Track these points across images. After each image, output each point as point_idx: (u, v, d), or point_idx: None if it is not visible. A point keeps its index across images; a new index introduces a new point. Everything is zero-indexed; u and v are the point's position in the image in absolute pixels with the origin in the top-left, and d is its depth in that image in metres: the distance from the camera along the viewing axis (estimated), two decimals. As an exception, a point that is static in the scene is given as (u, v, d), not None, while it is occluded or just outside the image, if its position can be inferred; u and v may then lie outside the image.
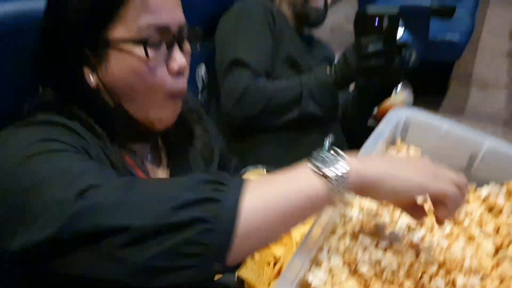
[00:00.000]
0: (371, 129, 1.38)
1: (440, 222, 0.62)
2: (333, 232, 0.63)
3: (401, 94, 1.46)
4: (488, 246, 0.70)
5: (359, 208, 0.69)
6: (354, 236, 0.62)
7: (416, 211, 0.62)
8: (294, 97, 1.27)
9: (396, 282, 0.56)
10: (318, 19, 1.47)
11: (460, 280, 0.58)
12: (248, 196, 0.52)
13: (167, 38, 0.72)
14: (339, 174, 0.54)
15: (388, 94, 1.39)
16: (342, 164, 0.55)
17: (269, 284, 0.71)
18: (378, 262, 0.57)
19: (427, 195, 0.58)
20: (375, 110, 1.48)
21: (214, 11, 1.44)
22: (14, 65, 0.79)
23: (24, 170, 0.58)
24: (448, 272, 0.59)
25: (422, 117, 0.89)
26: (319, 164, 0.55)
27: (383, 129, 0.85)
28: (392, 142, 0.89)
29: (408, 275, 0.57)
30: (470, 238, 0.73)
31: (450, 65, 3.33)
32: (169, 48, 0.73)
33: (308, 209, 0.55)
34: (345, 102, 1.47)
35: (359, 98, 1.42)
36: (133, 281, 0.51)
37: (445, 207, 0.58)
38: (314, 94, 1.27)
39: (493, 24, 4.49)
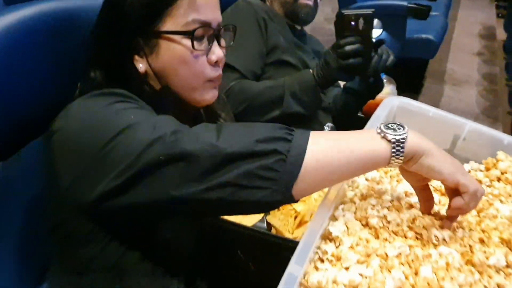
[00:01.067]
0: (362, 120, 1.51)
1: (450, 218, 0.72)
2: (344, 195, 0.75)
3: (386, 88, 1.58)
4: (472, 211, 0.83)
5: (364, 177, 0.81)
6: (363, 197, 0.75)
7: (427, 199, 0.73)
8: (276, 97, 1.34)
9: (401, 233, 0.68)
10: (307, 16, 1.58)
11: (447, 234, 0.70)
12: (316, 141, 0.64)
13: (208, 33, 0.85)
14: (399, 138, 0.65)
15: (373, 96, 1.50)
16: (402, 132, 0.66)
17: (292, 232, 0.83)
18: (385, 216, 0.70)
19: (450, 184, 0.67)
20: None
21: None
22: (69, 54, 0.91)
23: (110, 122, 0.69)
24: (441, 227, 0.71)
25: (411, 104, 1.02)
26: (383, 128, 0.66)
27: (379, 115, 0.97)
28: (386, 126, 1.01)
29: (410, 228, 0.69)
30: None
31: (425, 63, 3.50)
32: (210, 41, 0.86)
33: (367, 162, 0.65)
34: (335, 98, 1.58)
35: (346, 99, 1.51)
36: (219, 193, 0.63)
37: (462, 200, 0.67)
38: (297, 95, 1.34)
39: (464, 25, 4.71)
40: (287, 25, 1.57)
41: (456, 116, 1.01)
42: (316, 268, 0.62)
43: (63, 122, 0.74)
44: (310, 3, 1.56)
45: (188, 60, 0.83)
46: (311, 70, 1.33)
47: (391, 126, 0.67)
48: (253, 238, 0.84)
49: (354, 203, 0.73)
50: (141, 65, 0.84)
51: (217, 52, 0.87)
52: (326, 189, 0.72)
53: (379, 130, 0.67)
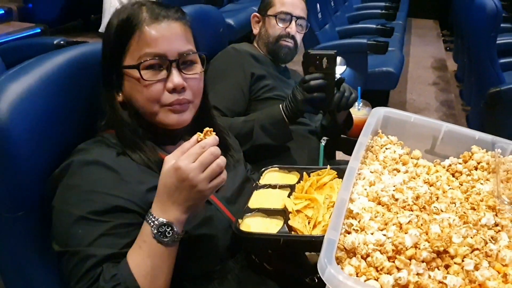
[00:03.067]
0: (348, 140, 1.65)
1: None
2: (356, 183, 0.90)
3: (363, 110, 1.76)
4: (458, 193, 0.98)
5: (369, 170, 0.96)
6: (371, 184, 0.89)
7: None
8: (246, 131, 1.45)
9: (408, 208, 0.83)
10: (286, 56, 1.73)
11: (444, 205, 0.86)
12: (135, 271, 0.83)
13: (165, 63, 0.97)
14: (174, 236, 0.85)
15: (345, 131, 1.64)
16: (170, 228, 0.84)
17: (310, 233, 0.95)
18: (393, 196, 0.84)
19: None
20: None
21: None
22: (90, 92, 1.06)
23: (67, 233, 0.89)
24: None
25: (394, 112, 1.19)
26: (160, 239, 0.84)
27: (369, 124, 1.13)
28: (375, 133, 1.17)
29: (414, 203, 0.84)
30: (444, 192, 1.01)
31: (387, 94, 3.76)
32: (168, 70, 0.97)
33: (170, 258, 0.87)
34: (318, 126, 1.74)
35: (322, 132, 1.67)
36: None
37: None
38: (266, 128, 1.43)
39: (417, 59, 5.07)
40: (271, 62, 1.74)
41: (434, 120, 1.19)
42: (347, 235, 0.75)
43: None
44: (290, 44, 1.71)
45: (140, 89, 0.97)
46: (280, 105, 1.45)
47: (161, 229, 0.85)
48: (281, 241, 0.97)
49: (365, 189, 0.88)
50: (119, 98, 1.01)
51: (175, 80, 0.96)
52: (338, 184, 0.86)
53: (157, 240, 0.85)
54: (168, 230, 0.84)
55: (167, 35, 0.97)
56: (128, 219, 0.87)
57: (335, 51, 1.40)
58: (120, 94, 1.01)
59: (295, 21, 1.72)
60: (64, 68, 1.06)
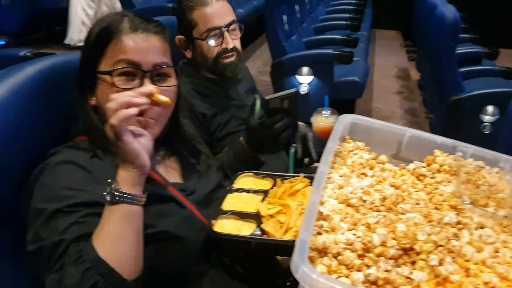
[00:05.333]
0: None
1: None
2: (325, 187, 0.93)
3: (331, 118, 1.80)
4: (422, 195, 1.03)
5: (338, 174, 0.99)
6: (340, 187, 0.93)
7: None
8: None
9: (375, 209, 0.86)
10: (234, 71, 1.58)
11: (409, 206, 0.90)
12: (100, 248, 0.82)
13: (139, 73, 0.99)
14: (113, 193, 0.86)
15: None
16: (111, 187, 0.86)
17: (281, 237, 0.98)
18: (361, 198, 0.88)
19: None
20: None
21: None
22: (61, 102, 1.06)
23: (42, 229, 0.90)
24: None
25: (361, 119, 1.23)
26: (108, 199, 0.86)
27: (337, 130, 1.16)
28: (343, 139, 1.21)
29: (382, 205, 0.88)
30: (409, 194, 1.05)
31: (353, 103, 3.85)
32: (142, 81, 0.99)
33: (129, 221, 0.86)
34: None
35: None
36: None
37: None
38: (238, 168, 1.29)
39: (381, 69, 5.20)
40: (217, 82, 1.60)
41: (398, 126, 1.24)
42: (318, 235, 0.78)
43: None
44: (232, 58, 1.56)
45: (109, 93, 0.95)
46: (241, 139, 1.35)
47: (108, 191, 0.87)
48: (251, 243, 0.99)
49: (335, 192, 0.91)
50: (92, 102, 1.03)
51: (146, 88, 0.95)
52: (309, 189, 0.89)
53: (107, 201, 0.87)
54: (110, 190, 0.86)
55: (143, 46, 1.00)
56: (100, 210, 0.88)
57: (295, 89, 1.35)
58: (93, 98, 1.03)
59: (227, 31, 1.53)
60: (35, 79, 1.06)
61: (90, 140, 1.01)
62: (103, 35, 1.00)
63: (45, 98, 1.07)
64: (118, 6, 4.22)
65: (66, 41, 4.50)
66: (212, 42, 1.52)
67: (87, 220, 0.88)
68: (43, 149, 1.00)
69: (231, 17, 1.56)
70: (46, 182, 0.93)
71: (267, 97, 1.28)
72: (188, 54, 1.60)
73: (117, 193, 0.86)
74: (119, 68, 0.97)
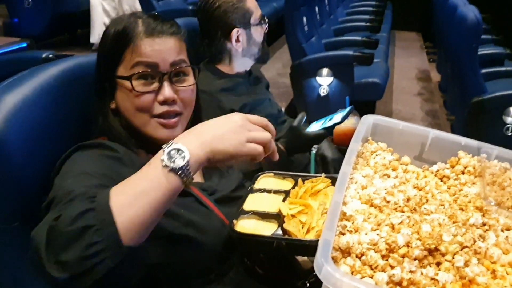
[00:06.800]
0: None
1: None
2: (348, 187, 0.92)
3: (351, 119, 1.79)
4: (446, 196, 1.01)
5: (361, 175, 0.98)
6: (363, 187, 0.92)
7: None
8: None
9: (399, 209, 0.85)
10: (264, 56, 1.80)
11: (434, 207, 0.88)
12: (115, 198, 0.72)
13: (157, 74, 1.00)
14: (184, 164, 0.74)
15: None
16: (184, 156, 0.75)
17: (304, 237, 0.97)
18: (384, 198, 0.87)
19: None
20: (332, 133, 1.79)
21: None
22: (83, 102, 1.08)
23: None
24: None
25: (383, 120, 1.22)
26: (167, 162, 0.74)
27: (360, 131, 1.15)
28: (365, 140, 1.20)
29: (405, 205, 0.87)
30: (433, 195, 1.04)
31: (373, 105, 3.82)
32: (160, 82, 1.00)
33: (167, 196, 0.74)
34: None
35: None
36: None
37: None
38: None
39: (401, 70, 5.15)
40: (242, 78, 1.76)
41: (421, 127, 1.22)
42: (341, 236, 0.78)
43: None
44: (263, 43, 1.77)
45: (131, 99, 1.00)
46: (279, 143, 1.46)
47: (173, 154, 0.75)
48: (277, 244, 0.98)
49: (358, 192, 0.90)
50: (112, 106, 1.04)
51: (165, 92, 0.99)
52: (332, 191, 0.88)
53: (163, 165, 0.75)
54: (178, 156, 0.75)
55: (160, 48, 1.01)
56: None
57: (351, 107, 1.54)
58: (113, 102, 1.04)
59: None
60: (58, 79, 1.08)
61: (111, 140, 1.02)
62: (119, 39, 1.01)
63: (68, 98, 1.09)
64: (138, 7, 4.26)
65: (92, 40, 4.53)
66: (263, 27, 1.72)
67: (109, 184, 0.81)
68: (65, 150, 1.01)
69: None
70: (73, 159, 0.93)
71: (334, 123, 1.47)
72: (239, 46, 1.70)
73: (184, 166, 0.75)
74: (137, 73, 0.98)
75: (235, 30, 1.68)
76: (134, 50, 0.99)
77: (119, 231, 0.70)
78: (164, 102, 1.00)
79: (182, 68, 1.03)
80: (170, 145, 0.76)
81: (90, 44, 4.51)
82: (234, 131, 0.80)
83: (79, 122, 1.11)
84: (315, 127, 1.54)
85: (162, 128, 1.02)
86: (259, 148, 0.81)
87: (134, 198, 0.73)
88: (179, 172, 0.74)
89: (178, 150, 0.75)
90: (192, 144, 0.77)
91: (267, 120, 0.87)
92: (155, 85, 1.00)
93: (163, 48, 1.00)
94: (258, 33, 1.73)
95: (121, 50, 1.00)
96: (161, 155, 0.75)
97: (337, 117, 1.56)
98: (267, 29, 1.75)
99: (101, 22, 4.46)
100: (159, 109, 1.00)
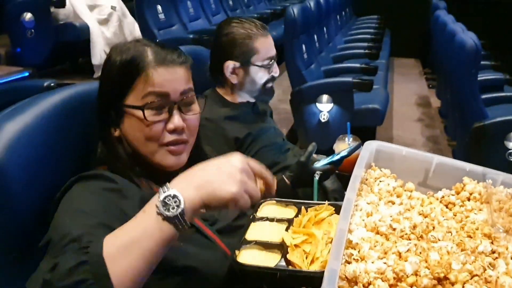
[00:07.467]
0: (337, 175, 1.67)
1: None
2: (353, 214, 0.91)
3: (353, 145, 1.78)
4: (453, 223, 1.00)
5: (365, 202, 0.97)
6: (368, 215, 0.90)
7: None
8: None
9: (405, 237, 0.84)
10: (271, 97, 1.77)
11: (441, 234, 0.87)
12: (109, 249, 0.72)
13: (167, 103, 1.00)
14: (178, 213, 0.73)
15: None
16: (179, 203, 0.73)
17: (308, 268, 0.95)
18: (390, 226, 0.85)
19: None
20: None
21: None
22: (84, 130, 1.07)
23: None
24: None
25: (386, 146, 1.21)
26: (162, 210, 0.73)
27: (363, 157, 1.14)
28: (369, 166, 1.19)
29: (412, 233, 0.85)
30: (439, 222, 1.02)
31: (374, 130, 3.82)
32: (170, 111, 1.00)
33: (161, 245, 0.74)
34: None
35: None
36: None
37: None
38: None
39: (401, 96, 5.17)
40: (245, 107, 1.73)
41: (424, 153, 1.21)
42: (347, 264, 0.76)
43: None
44: (272, 84, 1.72)
45: (141, 128, 0.99)
46: (284, 177, 1.44)
47: (168, 201, 0.74)
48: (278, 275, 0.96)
49: (363, 220, 0.89)
50: (116, 134, 1.03)
51: (175, 121, 1.00)
52: (336, 220, 0.87)
53: (158, 213, 0.74)
54: (173, 204, 0.74)
55: (171, 78, 1.01)
56: None
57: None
58: (117, 130, 1.03)
59: (275, 61, 1.70)
60: (58, 107, 1.08)
61: (111, 169, 1.01)
62: (129, 68, 1.00)
63: (68, 126, 1.08)
64: (138, 32, 4.29)
65: (94, 62, 4.54)
66: (266, 69, 1.66)
67: (108, 225, 0.82)
68: (64, 178, 1.00)
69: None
70: (73, 194, 0.92)
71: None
72: (234, 79, 1.68)
73: (179, 216, 0.73)
74: (150, 102, 0.98)
75: (229, 62, 1.66)
76: (144, 79, 0.99)
77: (113, 285, 0.70)
78: (173, 131, 1.01)
79: (191, 97, 1.04)
80: (166, 191, 0.75)
81: (91, 72, 4.53)
82: (234, 178, 0.78)
83: (79, 150, 1.10)
84: (321, 162, 1.52)
85: (170, 155, 1.02)
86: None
87: (127, 249, 0.73)
88: (174, 221, 0.74)
89: (174, 196, 0.74)
90: (188, 190, 0.76)
91: (266, 170, 0.86)
92: (165, 114, 1.00)
93: (174, 78, 1.01)
94: (259, 74, 1.67)
95: (131, 79, 1.00)
96: (156, 201, 0.75)
97: (343, 151, 1.55)
98: (274, 72, 1.70)
99: (101, 47, 4.49)
100: (168, 137, 1.01)
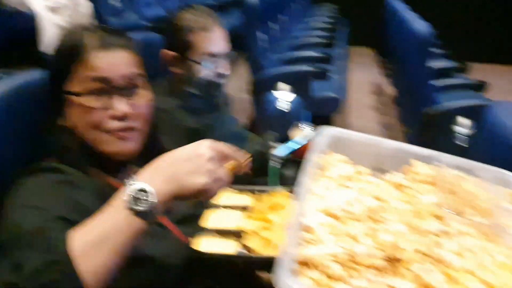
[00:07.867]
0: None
1: None
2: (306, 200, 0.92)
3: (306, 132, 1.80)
4: (403, 205, 1.02)
5: (319, 186, 0.98)
6: (322, 199, 0.92)
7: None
8: None
9: (359, 219, 0.86)
10: (220, 97, 1.66)
11: (393, 216, 0.89)
12: (77, 246, 0.70)
13: (109, 89, 0.96)
14: (149, 207, 0.72)
15: None
16: (149, 197, 0.72)
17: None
18: (344, 209, 0.87)
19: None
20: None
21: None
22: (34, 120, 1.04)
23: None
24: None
25: (339, 132, 1.23)
26: (132, 204, 0.72)
27: (318, 142, 1.15)
28: (323, 152, 1.20)
29: (365, 215, 0.87)
30: (391, 204, 1.04)
31: (330, 118, 3.87)
32: (112, 97, 0.96)
33: (132, 239, 0.73)
34: None
35: None
36: None
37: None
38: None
39: (357, 85, 5.25)
40: (202, 100, 1.66)
41: (376, 137, 1.24)
42: (302, 248, 0.77)
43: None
44: (221, 82, 1.62)
45: (82, 115, 0.95)
46: None
47: (137, 195, 0.73)
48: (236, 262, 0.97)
49: (317, 204, 0.90)
50: (62, 123, 0.98)
51: (118, 107, 0.95)
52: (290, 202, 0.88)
53: (128, 208, 0.73)
54: (143, 197, 0.72)
55: (112, 61, 0.97)
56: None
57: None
58: (63, 119, 0.99)
59: (223, 58, 1.58)
60: (4, 98, 1.03)
61: (60, 161, 0.98)
62: (68, 53, 0.97)
63: (15, 117, 1.04)
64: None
65: (41, 49, 4.35)
66: (208, 66, 1.55)
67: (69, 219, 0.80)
68: (13, 171, 0.96)
69: (227, 46, 1.60)
70: (21, 190, 0.89)
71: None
72: (175, 70, 1.59)
73: (149, 209, 0.72)
74: (89, 88, 0.94)
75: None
76: (84, 63, 0.95)
77: (85, 282, 0.69)
78: (116, 117, 0.97)
79: (135, 81, 1.00)
80: (134, 184, 0.73)
81: (40, 62, 4.36)
82: (202, 169, 0.77)
83: (28, 142, 1.05)
84: (281, 151, 1.52)
85: (116, 141, 0.98)
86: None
87: (97, 245, 0.71)
88: (145, 215, 0.73)
89: (143, 190, 0.73)
90: (157, 183, 0.74)
91: (236, 149, 0.86)
92: (106, 100, 0.96)
93: (115, 62, 0.97)
94: (196, 69, 1.57)
95: (70, 64, 0.96)
96: (124, 195, 0.73)
97: (303, 139, 1.55)
98: (220, 69, 1.59)
99: (52, 35, 4.32)
100: (112, 124, 0.97)
